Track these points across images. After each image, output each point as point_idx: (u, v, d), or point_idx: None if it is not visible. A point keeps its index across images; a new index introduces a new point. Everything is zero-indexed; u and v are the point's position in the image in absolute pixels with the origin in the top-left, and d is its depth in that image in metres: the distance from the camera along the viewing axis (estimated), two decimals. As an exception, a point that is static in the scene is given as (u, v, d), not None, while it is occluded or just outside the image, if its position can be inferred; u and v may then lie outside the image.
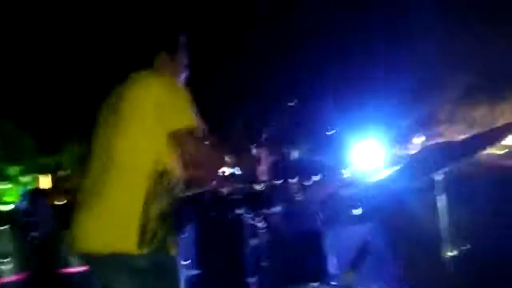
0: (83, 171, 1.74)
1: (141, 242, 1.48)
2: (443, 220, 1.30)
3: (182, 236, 3.11)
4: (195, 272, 3.70)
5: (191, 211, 3.05)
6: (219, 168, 1.71)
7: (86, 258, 1.62)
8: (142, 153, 1.55)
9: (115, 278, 1.54)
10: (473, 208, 1.48)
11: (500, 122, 20.58)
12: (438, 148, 1.44)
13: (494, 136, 1.50)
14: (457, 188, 1.35)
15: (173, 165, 1.58)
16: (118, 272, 1.53)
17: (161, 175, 1.54)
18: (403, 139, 17.68)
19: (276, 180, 2.84)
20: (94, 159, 1.66)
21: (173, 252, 1.57)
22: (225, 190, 2.69)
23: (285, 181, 2.52)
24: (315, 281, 2.00)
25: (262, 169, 3.22)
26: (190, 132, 1.56)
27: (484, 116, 20.89)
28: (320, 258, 2.56)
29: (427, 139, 20.12)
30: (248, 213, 2.90)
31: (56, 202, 5.76)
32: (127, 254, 1.48)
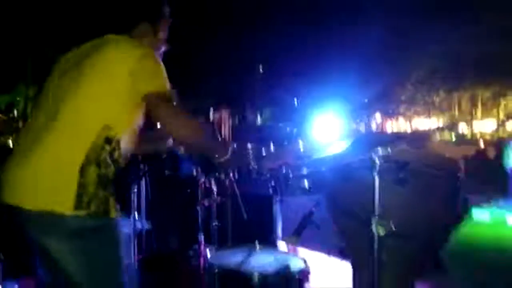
0: (29, 118, 1.69)
1: (78, 204, 1.45)
2: (380, 200, 1.40)
3: (134, 191, 3.14)
4: (146, 226, 3.77)
5: (144, 166, 3.07)
6: (197, 133, 1.64)
7: (13, 211, 1.51)
8: (93, 115, 1.51)
9: (47, 238, 1.50)
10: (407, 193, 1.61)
11: (456, 109, 21.49)
12: (380, 135, 1.51)
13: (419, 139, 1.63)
14: (396, 173, 1.46)
15: (126, 136, 1.57)
16: (52, 232, 1.49)
17: (108, 141, 1.51)
18: (363, 115, 18.16)
19: (235, 144, 2.90)
20: (42, 109, 1.60)
21: (113, 214, 1.54)
22: (181, 150, 2.71)
23: (242, 146, 2.57)
24: (260, 243, 2.11)
25: (224, 132, 3.25)
26: (163, 96, 1.54)
27: (442, 101, 21.75)
28: (267, 222, 2.68)
29: (386, 117, 20.82)
30: (201, 175, 2.96)
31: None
32: (61, 214, 1.45)
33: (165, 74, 1.58)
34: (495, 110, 20.25)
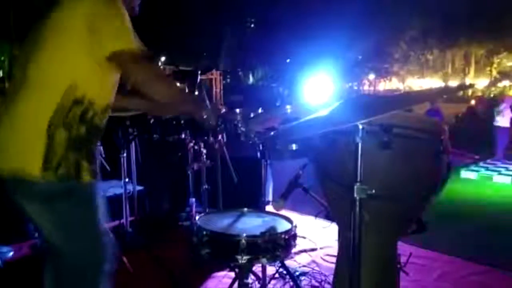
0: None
1: (46, 167, 1.43)
2: (364, 164, 1.42)
3: (124, 155, 3.15)
4: (137, 187, 3.81)
5: (133, 130, 3.06)
6: (172, 93, 1.62)
7: None
8: (56, 75, 1.46)
9: (22, 200, 1.51)
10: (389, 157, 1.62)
11: (449, 67, 21.39)
12: (366, 99, 1.51)
13: (420, 97, 1.62)
14: (380, 136, 1.47)
15: (97, 93, 1.51)
16: (24, 195, 1.49)
17: (76, 102, 1.46)
18: (356, 75, 18.03)
19: (229, 106, 2.89)
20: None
21: (87, 178, 1.51)
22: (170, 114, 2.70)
23: (229, 110, 2.56)
24: (249, 206, 2.14)
25: (216, 92, 3.22)
26: (132, 54, 1.47)
27: (435, 59, 21.63)
28: (256, 185, 2.72)
29: (380, 77, 20.71)
30: (190, 138, 2.97)
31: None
32: (30, 177, 1.44)
33: (130, 29, 1.50)
34: (488, 68, 20.21)
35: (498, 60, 19.98)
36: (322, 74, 6.11)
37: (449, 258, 3.24)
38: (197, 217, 2.00)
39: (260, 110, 2.54)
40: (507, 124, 8.98)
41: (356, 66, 17.19)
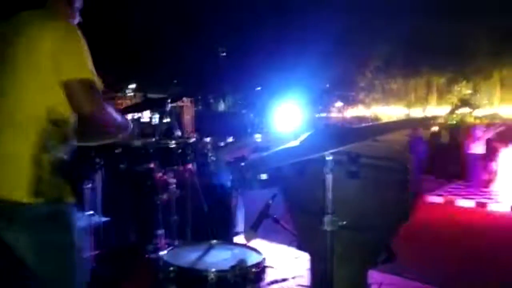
0: None
1: (35, 191, 1.44)
2: (333, 193, 1.42)
3: (89, 186, 3.05)
4: (102, 219, 3.67)
5: (99, 161, 2.97)
6: (114, 124, 1.62)
7: None
8: (33, 103, 1.47)
9: (8, 229, 1.50)
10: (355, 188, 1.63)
11: (412, 95, 22.19)
12: (335, 129, 1.53)
13: (384, 129, 1.66)
14: (348, 166, 1.48)
15: (71, 114, 1.51)
16: (10, 222, 1.48)
17: (55, 123, 1.48)
18: (325, 103, 18.42)
19: (197, 134, 2.86)
20: None
21: (69, 199, 1.53)
22: (137, 143, 2.65)
23: (199, 139, 2.54)
24: (220, 237, 2.10)
25: (187, 119, 3.19)
26: (85, 83, 1.47)
27: (399, 88, 22.43)
28: (226, 216, 2.67)
29: (347, 105, 21.24)
30: (159, 168, 2.90)
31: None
32: (18, 202, 1.44)
33: (86, 54, 1.51)
34: (448, 96, 21.08)
35: (458, 88, 20.88)
36: (292, 102, 6.20)
37: (421, 285, 3.26)
38: (163, 251, 1.93)
39: (230, 139, 2.53)
40: (480, 151, 9.24)
41: (324, 94, 17.57)
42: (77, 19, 1.71)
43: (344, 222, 1.40)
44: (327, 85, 18.77)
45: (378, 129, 1.75)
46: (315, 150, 1.40)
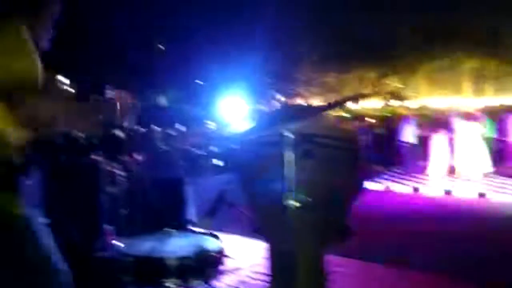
0: None
1: None
2: (290, 174, 1.43)
3: (28, 183, 2.84)
4: (43, 220, 3.44)
5: (37, 156, 2.78)
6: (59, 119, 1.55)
7: None
8: None
9: None
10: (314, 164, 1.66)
11: (345, 90, 23.14)
12: (287, 108, 1.56)
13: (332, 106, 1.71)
14: (302, 146, 1.50)
15: (7, 125, 1.37)
16: None
17: None
18: (265, 95, 18.65)
19: (140, 126, 2.76)
20: None
21: (17, 211, 1.38)
22: (80, 134, 2.50)
23: (149, 128, 2.46)
24: (173, 228, 2.04)
25: (123, 112, 3.06)
26: (23, 82, 1.36)
27: (334, 82, 23.27)
28: (179, 206, 2.62)
29: (286, 98, 21.69)
30: (106, 160, 2.77)
31: None
32: None
33: (29, 54, 1.39)
34: (380, 90, 22.18)
35: (388, 82, 22.02)
36: (234, 95, 6.20)
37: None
38: (118, 243, 1.86)
39: (182, 128, 2.48)
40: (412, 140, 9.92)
41: (263, 87, 17.76)
42: (48, 33, 1.59)
43: (308, 199, 1.42)
44: (267, 79, 19.03)
45: (322, 107, 1.79)
46: (271, 128, 1.40)
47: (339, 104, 2.22)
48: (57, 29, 1.71)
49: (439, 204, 6.97)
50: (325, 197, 1.73)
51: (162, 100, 4.21)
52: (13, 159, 1.41)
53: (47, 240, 1.45)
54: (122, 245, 1.83)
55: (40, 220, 1.49)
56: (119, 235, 2.89)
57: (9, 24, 1.44)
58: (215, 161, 2.10)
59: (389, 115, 14.41)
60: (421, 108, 16.26)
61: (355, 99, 2.35)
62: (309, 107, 1.82)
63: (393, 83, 21.92)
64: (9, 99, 1.38)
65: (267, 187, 1.68)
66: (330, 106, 1.81)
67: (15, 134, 1.59)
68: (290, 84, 21.12)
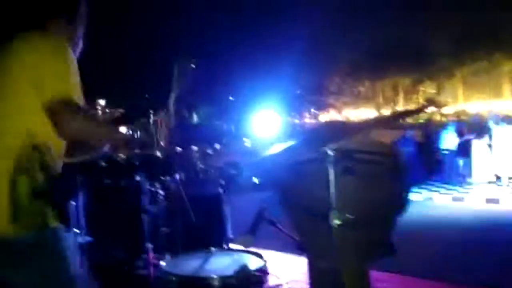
0: None
1: (14, 220, 1.36)
2: (330, 191, 1.42)
3: (73, 204, 2.95)
4: (87, 239, 3.55)
5: (82, 178, 2.89)
6: (99, 140, 1.60)
7: None
8: (11, 124, 1.41)
9: None
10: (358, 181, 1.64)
11: (380, 97, 22.77)
12: (330, 125, 1.55)
13: (378, 123, 1.69)
14: (342, 162, 1.49)
15: (52, 138, 1.45)
16: None
17: (35, 148, 1.40)
18: (298, 108, 18.64)
19: (176, 145, 2.82)
20: None
21: (54, 224, 1.44)
22: (121, 156, 2.59)
23: (186, 148, 2.50)
24: (212, 246, 2.06)
25: (162, 133, 3.14)
26: (66, 102, 1.41)
27: (367, 91, 22.96)
28: (218, 224, 2.64)
29: (318, 109, 21.58)
30: (146, 180, 2.84)
31: None
32: (1, 235, 1.37)
33: (73, 73, 1.47)
34: (415, 96, 21.71)
35: (423, 89, 21.53)
36: (267, 109, 6.22)
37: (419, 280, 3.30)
38: (161, 262, 1.89)
39: (217, 146, 2.51)
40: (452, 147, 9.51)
41: (296, 100, 17.75)
42: (79, 46, 1.67)
43: (350, 216, 1.40)
44: (298, 91, 19.00)
45: (369, 124, 1.77)
46: (314, 148, 1.40)
47: (390, 119, 2.18)
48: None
49: (483, 214, 6.70)
50: (368, 214, 1.70)
51: (196, 118, 4.28)
52: (53, 173, 1.48)
53: (74, 259, 1.51)
54: (164, 263, 1.86)
55: (73, 239, 1.55)
56: (160, 253, 2.94)
57: (57, 41, 1.51)
58: (254, 179, 2.11)
59: (426, 122, 14.04)
60: (459, 113, 15.78)
61: (406, 114, 2.30)
62: (354, 124, 1.81)
63: (429, 89, 21.41)
64: (57, 120, 1.44)
65: (307, 204, 1.67)
66: (381, 123, 1.78)
67: (59, 151, 1.67)
68: (321, 95, 21.05)
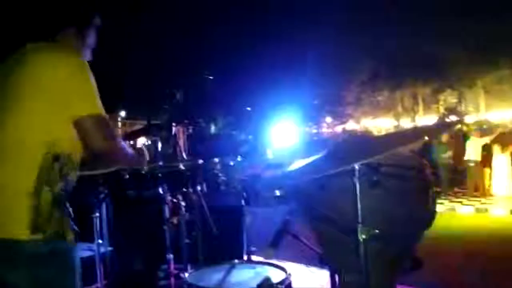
0: None
1: (34, 227, 1.40)
2: (356, 204, 1.41)
3: (96, 215, 2.99)
4: (110, 248, 3.60)
5: (105, 190, 2.93)
6: (126, 159, 1.65)
7: None
8: (33, 136, 1.44)
9: (6, 268, 1.44)
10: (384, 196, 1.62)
11: (399, 106, 22.54)
12: (357, 141, 1.54)
13: (407, 137, 1.67)
14: (369, 176, 1.47)
15: (73, 149, 1.49)
16: (9, 261, 1.43)
17: (56, 159, 1.44)
18: (316, 119, 18.59)
19: (197, 157, 2.84)
20: None
21: (70, 237, 1.49)
22: (144, 168, 2.61)
23: (208, 160, 2.51)
24: (234, 258, 2.06)
25: (180, 144, 3.16)
26: (97, 119, 1.48)
27: (385, 100, 22.76)
28: (240, 235, 2.63)
29: (336, 120, 21.48)
30: (168, 192, 2.86)
31: None
32: (17, 240, 1.40)
33: (95, 90, 1.51)
34: (435, 106, 21.42)
35: (444, 98, 21.23)
36: (285, 120, 6.21)
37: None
38: (185, 274, 1.89)
39: (239, 158, 2.51)
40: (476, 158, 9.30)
41: (313, 111, 17.71)
42: (88, 56, 1.70)
43: (377, 231, 1.38)
44: (315, 102, 18.95)
45: (400, 138, 1.75)
46: (342, 163, 1.39)
47: (419, 135, 2.12)
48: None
49: (506, 226, 6.52)
50: (394, 228, 1.67)
51: (213, 128, 4.29)
52: (72, 184, 1.52)
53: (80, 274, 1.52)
54: (187, 275, 1.86)
55: (79, 253, 1.57)
56: (181, 264, 2.95)
57: (74, 54, 1.54)
58: (277, 192, 2.10)
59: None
60: (481, 122, 15.49)
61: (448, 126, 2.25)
62: (383, 139, 1.78)
63: (449, 98, 21.10)
64: (86, 135, 1.49)
65: (334, 218, 1.66)
66: (410, 140, 1.75)
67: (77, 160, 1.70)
68: (339, 105, 20.95)
